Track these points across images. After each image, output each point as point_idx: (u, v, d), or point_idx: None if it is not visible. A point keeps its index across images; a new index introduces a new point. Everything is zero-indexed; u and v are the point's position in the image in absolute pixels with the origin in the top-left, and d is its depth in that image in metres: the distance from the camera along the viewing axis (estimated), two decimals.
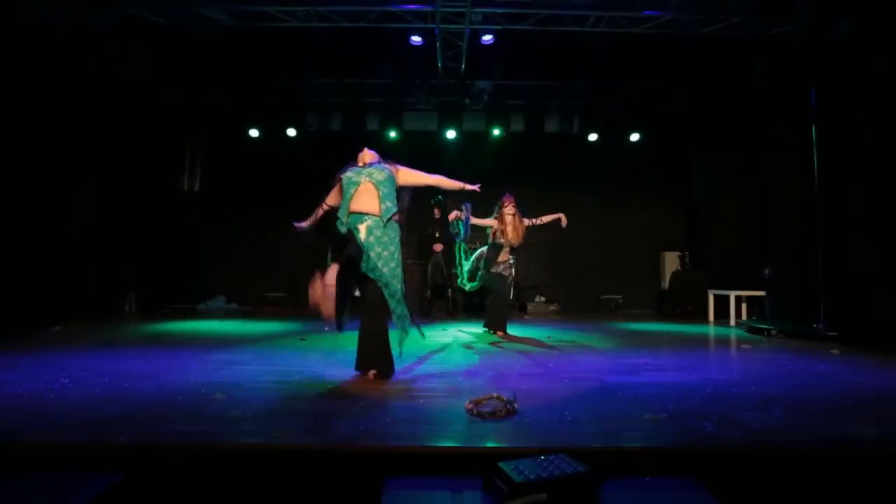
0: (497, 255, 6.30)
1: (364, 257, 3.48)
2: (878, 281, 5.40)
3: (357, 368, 3.69)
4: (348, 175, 3.68)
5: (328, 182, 4.30)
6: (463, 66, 7.70)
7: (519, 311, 9.74)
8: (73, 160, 7.16)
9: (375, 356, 3.61)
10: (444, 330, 6.79)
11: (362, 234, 3.51)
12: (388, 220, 3.57)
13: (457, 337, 6.13)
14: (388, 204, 3.59)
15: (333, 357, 4.66)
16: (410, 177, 3.83)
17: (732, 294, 7.75)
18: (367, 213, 3.55)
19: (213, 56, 7.96)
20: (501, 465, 1.92)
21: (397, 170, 3.79)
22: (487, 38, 7.14)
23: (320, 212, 3.95)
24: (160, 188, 9.38)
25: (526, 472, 1.87)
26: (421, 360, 4.61)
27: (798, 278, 6.84)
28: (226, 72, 8.56)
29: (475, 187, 4.21)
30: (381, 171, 3.66)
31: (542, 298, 9.77)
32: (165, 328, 6.76)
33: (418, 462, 2.23)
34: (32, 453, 2.29)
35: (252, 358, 4.61)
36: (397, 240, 3.61)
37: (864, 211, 5.62)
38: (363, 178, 3.63)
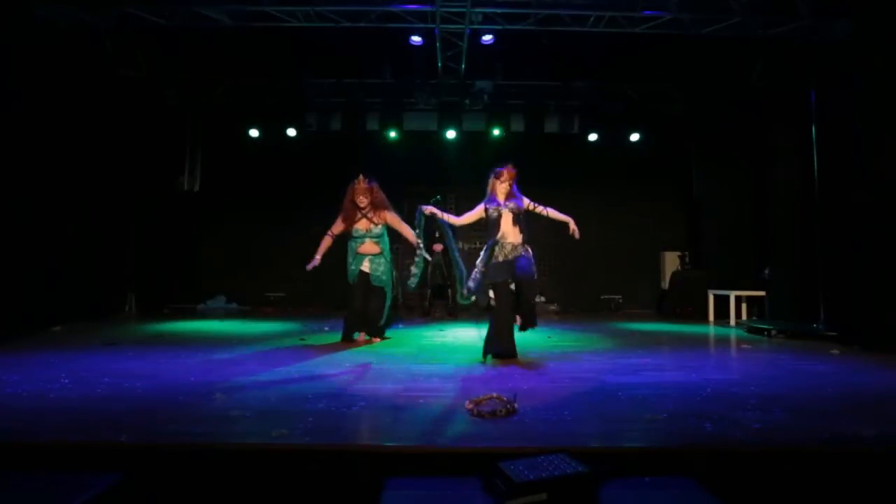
0: (496, 235, 4.57)
1: (372, 276, 5.45)
2: (877, 281, 5.40)
3: (353, 332, 5.54)
4: (354, 238, 5.43)
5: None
6: (463, 66, 7.70)
7: None
8: (74, 160, 7.15)
9: (373, 324, 5.54)
10: (443, 330, 6.79)
11: (366, 265, 5.45)
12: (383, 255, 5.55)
13: (456, 337, 6.13)
14: (383, 246, 5.53)
15: (333, 357, 4.66)
16: (393, 221, 5.51)
17: (732, 294, 7.75)
18: (370, 255, 5.46)
19: (212, 56, 7.97)
20: (501, 465, 1.92)
21: (387, 218, 5.47)
22: (487, 38, 7.14)
23: (329, 241, 5.51)
24: (160, 188, 9.37)
25: (526, 472, 1.87)
26: (421, 360, 4.61)
27: (798, 278, 6.84)
28: (225, 72, 8.57)
29: (416, 240, 5.22)
30: (378, 228, 5.45)
31: (542, 298, 9.75)
32: (165, 328, 6.76)
33: (418, 462, 2.23)
34: (32, 453, 2.30)
35: (252, 358, 4.61)
36: (388, 263, 5.55)
37: (864, 211, 5.61)
38: (367, 239, 5.43)
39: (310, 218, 10.05)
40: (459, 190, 9.29)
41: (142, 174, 8.89)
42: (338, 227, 5.48)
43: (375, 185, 5.46)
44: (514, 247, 4.57)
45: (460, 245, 8.54)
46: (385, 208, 5.47)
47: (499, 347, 4.52)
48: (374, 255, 5.45)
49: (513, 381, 3.64)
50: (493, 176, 4.81)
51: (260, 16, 6.45)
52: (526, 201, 4.77)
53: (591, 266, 10.09)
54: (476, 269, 4.62)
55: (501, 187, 4.74)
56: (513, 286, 4.57)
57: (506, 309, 4.53)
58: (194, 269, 9.90)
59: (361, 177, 5.44)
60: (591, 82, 8.70)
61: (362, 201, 5.38)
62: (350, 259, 5.47)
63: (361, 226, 5.41)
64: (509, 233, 4.59)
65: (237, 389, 3.36)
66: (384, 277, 5.47)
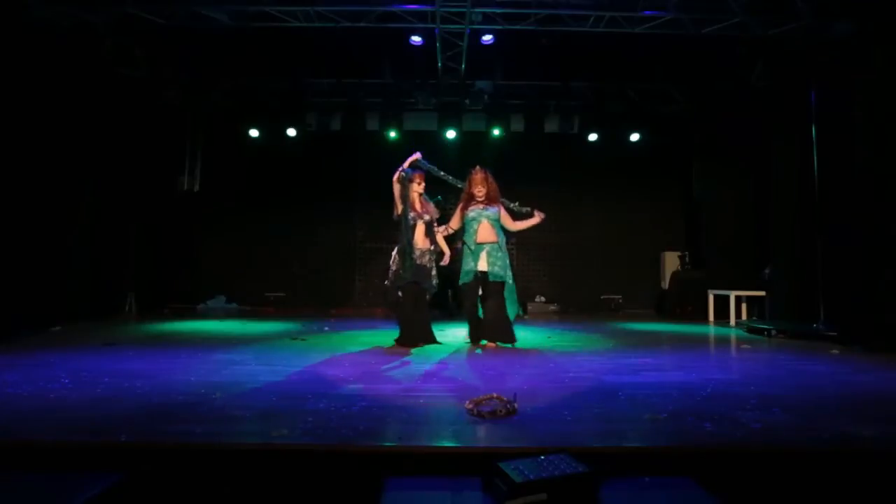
0: (411, 241, 5.09)
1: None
2: (878, 281, 5.40)
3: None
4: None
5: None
6: (463, 66, 7.70)
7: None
8: (74, 160, 7.15)
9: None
10: (443, 330, 6.78)
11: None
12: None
13: (456, 337, 6.12)
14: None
15: (333, 357, 4.66)
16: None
17: (732, 294, 7.75)
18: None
19: (213, 56, 7.97)
20: (501, 465, 1.92)
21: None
22: (487, 38, 7.14)
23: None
24: (160, 188, 9.38)
25: (526, 472, 1.87)
26: (420, 360, 4.60)
27: (798, 278, 6.83)
28: (226, 72, 8.57)
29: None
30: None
31: (542, 298, 9.77)
32: (165, 328, 6.76)
33: (418, 462, 2.23)
34: (32, 453, 2.29)
35: (252, 358, 4.60)
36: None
37: (864, 211, 5.61)
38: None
39: (310, 218, 10.11)
40: (459, 190, 9.26)
41: (142, 174, 8.89)
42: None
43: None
44: (423, 253, 5.14)
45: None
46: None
47: (405, 338, 5.17)
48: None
49: (513, 381, 3.64)
50: (407, 177, 5.23)
51: (260, 16, 6.45)
52: (433, 221, 5.29)
53: (591, 266, 10.10)
54: (391, 271, 5.17)
55: (416, 189, 5.24)
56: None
57: (411, 305, 5.14)
58: (194, 269, 9.90)
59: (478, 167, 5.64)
60: (591, 82, 8.70)
61: (480, 192, 5.45)
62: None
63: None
64: (420, 240, 5.15)
65: (237, 389, 3.36)
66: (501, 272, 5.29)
